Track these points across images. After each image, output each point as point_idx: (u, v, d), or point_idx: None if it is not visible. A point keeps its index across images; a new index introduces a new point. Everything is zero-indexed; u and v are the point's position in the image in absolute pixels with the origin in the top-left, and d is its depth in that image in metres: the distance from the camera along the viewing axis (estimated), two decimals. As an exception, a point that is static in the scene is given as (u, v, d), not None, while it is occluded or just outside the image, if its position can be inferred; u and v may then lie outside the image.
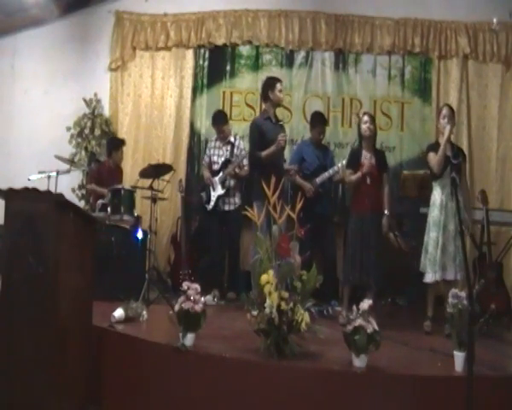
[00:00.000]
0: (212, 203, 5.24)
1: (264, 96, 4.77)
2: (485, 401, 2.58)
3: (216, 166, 5.34)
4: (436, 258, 4.00)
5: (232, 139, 5.40)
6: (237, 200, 5.26)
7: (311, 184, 4.98)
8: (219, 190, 5.22)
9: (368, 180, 4.31)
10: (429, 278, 4.05)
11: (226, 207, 5.25)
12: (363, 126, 4.44)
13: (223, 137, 5.38)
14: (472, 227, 4.34)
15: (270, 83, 4.74)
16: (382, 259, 4.30)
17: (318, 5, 6.12)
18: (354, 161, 4.44)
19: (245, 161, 5.19)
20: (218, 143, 5.42)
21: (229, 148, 5.35)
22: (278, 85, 4.69)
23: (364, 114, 4.64)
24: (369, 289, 4.23)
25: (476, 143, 5.93)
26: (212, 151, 5.43)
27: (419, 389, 2.79)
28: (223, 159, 5.31)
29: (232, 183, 5.25)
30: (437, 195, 4.15)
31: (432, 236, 4.08)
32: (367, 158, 4.38)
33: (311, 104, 6.05)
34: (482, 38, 5.93)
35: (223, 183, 5.22)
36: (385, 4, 6.04)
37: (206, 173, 5.41)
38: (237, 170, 5.24)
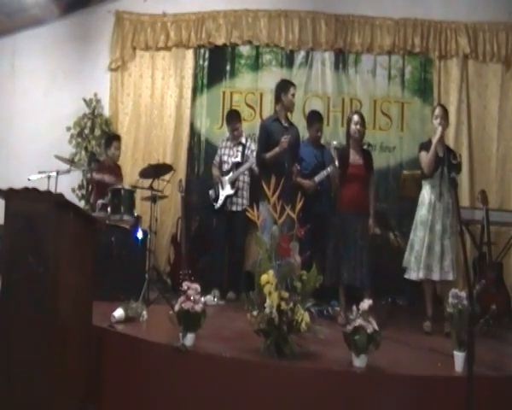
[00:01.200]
0: (220, 202, 5.25)
1: (277, 98, 4.74)
2: (485, 401, 2.58)
3: (226, 166, 5.36)
4: (422, 257, 4.00)
5: (243, 140, 5.42)
6: (245, 201, 5.28)
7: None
8: (228, 190, 5.23)
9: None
10: (413, 275, 4.07)
11: (234, 208, 5.26)
12: (353, 127, 4.34)
13: (236, 136, 5.39)
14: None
15: (284, 86, 4.72)
16: (372, 257, 4.26)
17: (318, 5, 6.11)
18: (342, 161, 4.33)
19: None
20: (229, 144, 5.45)
21: (240, 149, 5.37)
22: (291, 89, 4.67)
23: (355, 112, 4.49)
24: (365, 289, 4.17)
25: (476, 143, 5.91)
26: (222, 151, 5.46)
27: (419, 389, 2.79)
28: (233, 159, 5.34)
29: (241, 184, 5.27)
30: (426, 194, 4.14)
31: (419, 234, 4.08)
32: (355, 159, 4.31)
33: (311, 104, 6.03)
34: (482, 38, 5.91)
35: (232, 183, 5.23)
36: (385, 4, 6.04)
37: (216, 172, 5.43)
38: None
